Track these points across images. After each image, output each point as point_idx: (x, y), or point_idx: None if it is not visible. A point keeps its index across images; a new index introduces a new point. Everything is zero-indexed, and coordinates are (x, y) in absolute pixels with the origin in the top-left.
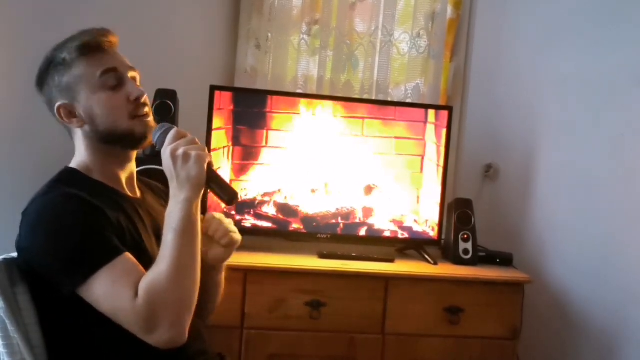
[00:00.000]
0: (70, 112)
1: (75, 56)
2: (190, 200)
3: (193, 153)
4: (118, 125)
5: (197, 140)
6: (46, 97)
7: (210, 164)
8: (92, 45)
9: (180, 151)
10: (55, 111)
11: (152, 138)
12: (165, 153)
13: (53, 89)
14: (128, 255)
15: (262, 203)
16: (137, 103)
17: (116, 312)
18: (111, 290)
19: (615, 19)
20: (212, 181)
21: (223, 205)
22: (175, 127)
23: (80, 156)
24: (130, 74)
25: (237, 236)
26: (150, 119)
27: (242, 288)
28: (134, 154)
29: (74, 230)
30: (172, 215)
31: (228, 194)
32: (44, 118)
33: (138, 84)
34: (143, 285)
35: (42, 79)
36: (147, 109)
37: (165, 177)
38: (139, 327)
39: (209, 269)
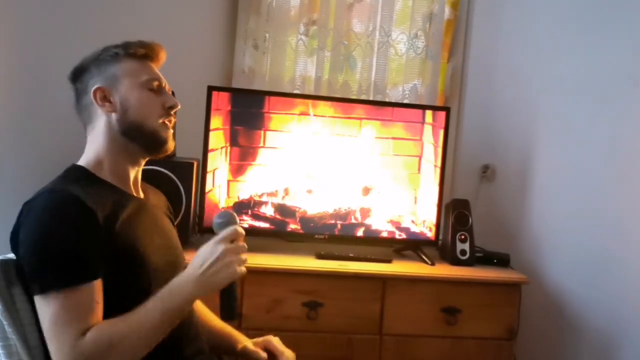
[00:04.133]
0: (105, 97)
1: (127, 53)
2: (195, 298)
3: (230, 269)
4: (147, 122)
5: (245, 247)
6: (82, 84)
7: (236, 280)
8: (147, 52)
9: (226, 259)
10: (92, 92)
11: (213, 221)
12: (211, 244)
13: (95, 75)
14: (96, 286)
15: (259, 203)
16: (170, 112)
17: (53, 339)
18: (60, 317)
19: (612, 19)
20: (226, 294)
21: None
22: (237, 224)
23: (92, 149)
24: (168, 88)
25: None
26: (172, 131)
27: (240, 289)
28: (145, 160)
29: (60, 239)
30: (172, 292)
31: (228, 313)
32: (45, 117)
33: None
34: (97, 332)
35: (85, 68)
36: (174, 121)
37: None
38: None
39: (227, 347)
